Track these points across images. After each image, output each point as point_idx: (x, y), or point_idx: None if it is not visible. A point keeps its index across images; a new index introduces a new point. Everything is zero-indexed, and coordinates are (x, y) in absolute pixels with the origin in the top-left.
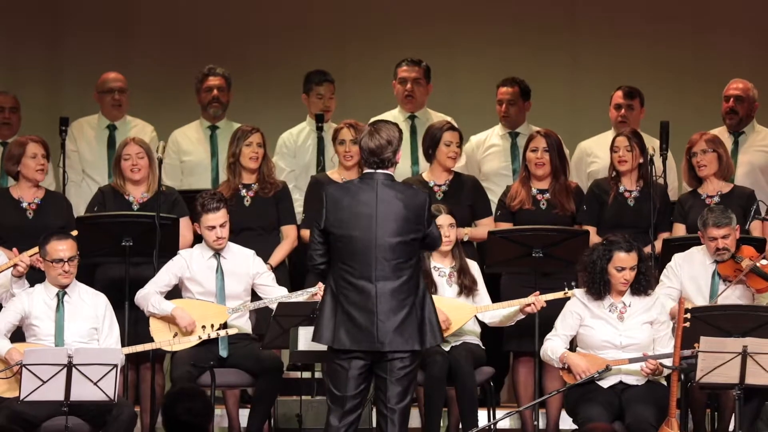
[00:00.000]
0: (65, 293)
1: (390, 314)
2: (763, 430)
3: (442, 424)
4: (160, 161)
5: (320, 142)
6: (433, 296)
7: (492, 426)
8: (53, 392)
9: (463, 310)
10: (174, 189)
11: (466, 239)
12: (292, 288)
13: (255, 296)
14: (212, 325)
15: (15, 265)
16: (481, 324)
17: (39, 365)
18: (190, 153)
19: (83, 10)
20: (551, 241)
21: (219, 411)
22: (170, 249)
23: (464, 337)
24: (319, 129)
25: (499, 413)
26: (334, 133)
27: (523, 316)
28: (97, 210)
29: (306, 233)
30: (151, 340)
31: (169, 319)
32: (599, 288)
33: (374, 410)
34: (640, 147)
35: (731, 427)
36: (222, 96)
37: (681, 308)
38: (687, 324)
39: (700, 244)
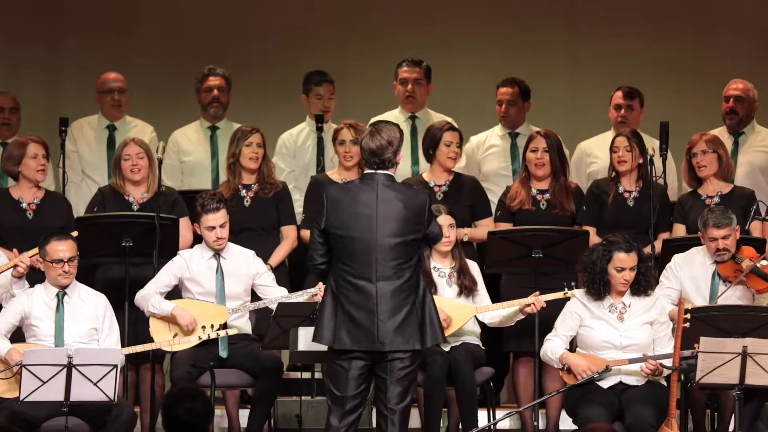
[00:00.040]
0: (65, 294)
1: (390, 314)
2: (763, 430)
3: (441, 425)
4: (160, 161)
5: (320, 142)
6: (433, 296)
7: (492, 426)
8: (53, 393)
9: (463, 311)
10: (174, 189)
11: (466, 239)
12: (292, 288)
13: (255, 297)
14: (212, 326)
15: (15, 266)
16: (481, 324)
17: (39, 366)
18: (190, 153)
19: (83, 10)
20: (551, 242)
21: (219, 411)
22: (170, 249)
23: (464, 338)
24: (319, 129)
25: (499, 413)
26: (334, 134)
27: (523, 317)
28: (96, 210)
29: (306, 233)
30: (151, 340)
31: (170, 319)
32: (599, 288)
33: (374, 411)
34: (639, 147)
35: (731, 427)
36: (222, 96)
37: (681, 309)
38: (687, 324)
39: (700, 244)
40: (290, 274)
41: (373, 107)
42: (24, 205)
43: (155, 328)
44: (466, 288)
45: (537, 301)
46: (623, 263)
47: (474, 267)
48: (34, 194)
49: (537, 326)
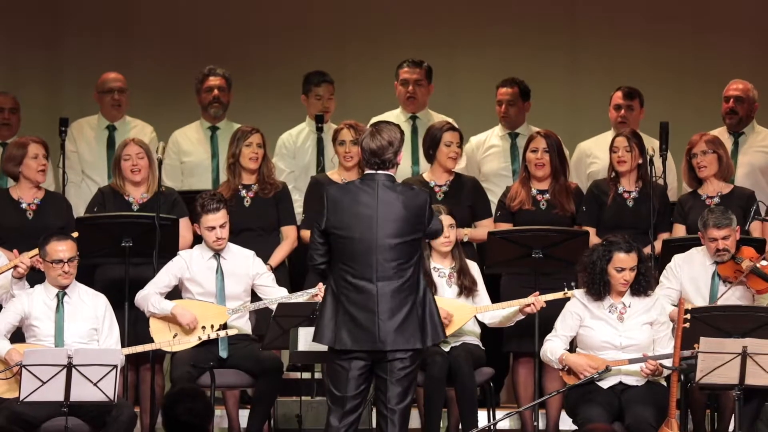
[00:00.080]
0: (65, 294)
1: (391, 314)
2: (762, 430)
3: (441, 425)
4: (160, 162)
5: (320, 142)
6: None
7: (492, 427)
8: (53, 393)
9: (463, 311)
10: (173, 189)
11: (466, 239)
12: (292, 289)
13: (255, 297)
14: (212, 326)
15: (15, 267)
16: (481, 325)
17: (39, 366)
18: (190, 154)
19: (83, 11)
20: (551, 242)
21: (219, 411)
22: (170, 250)
23: (464, 338)
24: (319, 130)
25: (499, 414)
26: (334, 134)
27: (523, 317)
28: (96, 210)
29: (306, 234)
30: (151, 340)
31: (170, 319)
32: (599, 289)
33: (374, 411)
34: (639, 147)
35: (731, 427)
36: (222, 96)
37: (681, 309)
38: (687, 325)
39: (700, 245)
40: (290, 275)
41: (373, 107)
42: (24, 206)
43: (155, 328)
44: (466, 288)
45: (537, 301)
46: (623, 263)
47: (474, 267)
48: (34, 194)
49: (537, 326)
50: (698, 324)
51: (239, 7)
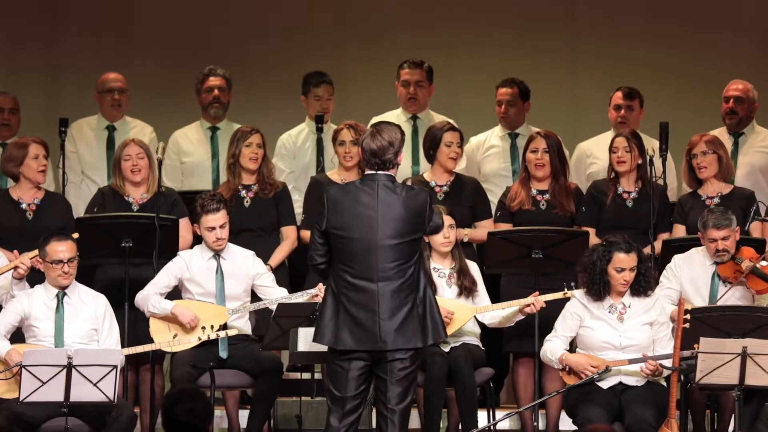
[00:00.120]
0: (65, 294)
1: (391, 313)
2: (762, 431)
3: (441, 425)
4: (160, 162)
5: (320, 143)
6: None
7: (492, 427)
8: (53, 393)
9: (463, 311)
10: (173, 190)
11: (466, 240)
12: (292, 289)
13: (255, 297)
14: (212, 326)
15: (16, 267)
16: (481, 325)
17: (39, 366)
18: (190, 154)
19: (83, 11)
20: (551, 242)
21: (219, 412)
22: (170, 250)
23: (464, 338)
24: (319, 130)
25: (499, 414)
26: (333, 134)
27: (523, 317)
28: (96, 211)
29: (305, 234)
30: (151, 341)
31: (170, 320)
32: (599, 289)
33: (374, 411)
34: (639, 148)
35: (731, 428)
36: (223, 96)
37: (681, 309)
38: (687, 325)
39: (699, 245)
40: (290, 275)
41: (374, 108)
42: (24, 206)
43: (155, 328)
44: (466, 288)
45: (536, 301)
46: (623, 264)
47: (474, 267)
48: (33, 195)
49: (537, 327)
50: (698, 324)
51: (239, 7)
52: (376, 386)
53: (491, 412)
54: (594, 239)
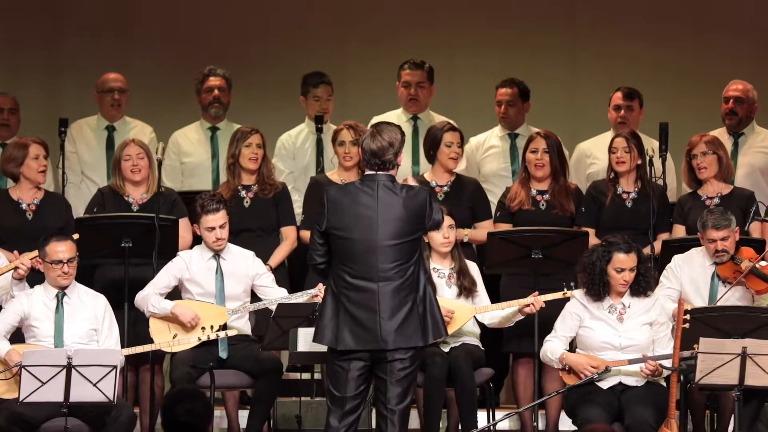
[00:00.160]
0: (65, 294)
1: (392, 312)
2: (762, 431)
3: (441, 426)
4: (160, 162)
5: (319, 143)
6: None
7: (491, 427)
8: (53, 393)
9: (463, 311)
10: (173, 190)
11: (466, 240)
12: (292, 289)
13: (255, 297)
14: (212, 327)
15: (16, 268)
16: (481, 325)
17: (38, 366)
18: (190, 154)
19: (83, 11)
20: (551, 243)
21: (218, 412)
22: (169, 250)
23: (464, 338)
24: (319, 130)
25: (499, 414)
26: (333, 135)
27: (522, 317)
28: (96, 211)
29: (305, 234)
30: (151, 341)
31: (170, 320)
32: (599, 289)
33: (374, 411)
34: (638, 148)
35: (730, 428)
36: (223, 96)
37: (680, 309)
38: (686, 325)
39: (699, 245)
40: (290, 275)
41: (373, 108)
42: (24, 206)
43: (155, 328)
44: (466, 289)
45: (536, 301)
46: (623, 264)
47: (473, 268)
48: (33, 195)
49: (536, 327)
50: (698, 324)
51: (239, 7)
52: (375, 386)
53: (491, 413)
54: (593, 239)
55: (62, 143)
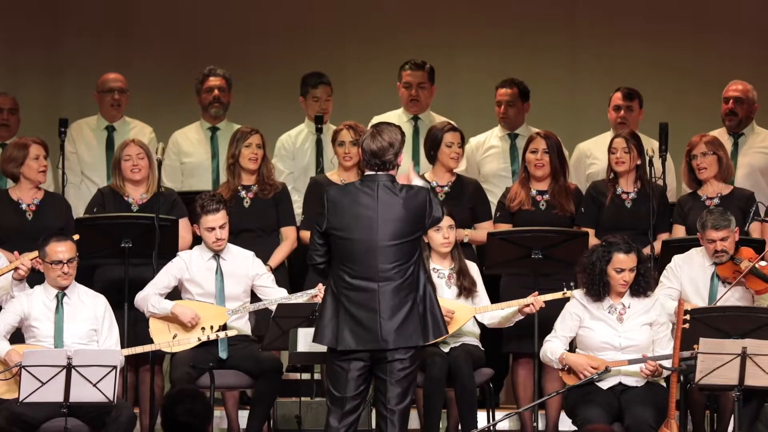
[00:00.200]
0: (64, 295)
1: (392, 312)
2: (762, 431)
3: (441, 426)
4: (159, 162)
5: (319, 143)
6: None
7: (491, 427)
8: (52, 394)
9: (462, 312)
10: (173, 190)
11: (466, 240)
12: (292, 289)
13: (254, 298)
14: (212, 327)
15: (16, 269)
16: (481, 325)
17: (38, 367)
18: (190, 154)
19: (83, 11)
20: (551, 243)
21: (218, 412)
22: (169, 250)
23: (463, 339)
24: (318, 131)
25: (499, 414)
26: (333, 135)
27: (522, 317)
28: (96, 211)
29: (305, 234)
30: (151, 341)
31: (170, 320)
32: (598, 289)
33: (374, 411)
34: (637, 148)
35: (730, 428)
36: (223, 96)
37: (680, 309)
38: (686, 325)
39: (699, 245)
40: (290, 275)
41: (373, 108)
42: (23, 207)
43: (155, 329)
44: (466, 289)
45: (536, 301)
46: (622, 264)
47: (473, 268)
48: (33, 195)
49: (536, 327)
50: (698, 325)
51: (239, 7)
52: (375, 387)
53: (491, 413)
54: (593, 240)
55: (62, 143)
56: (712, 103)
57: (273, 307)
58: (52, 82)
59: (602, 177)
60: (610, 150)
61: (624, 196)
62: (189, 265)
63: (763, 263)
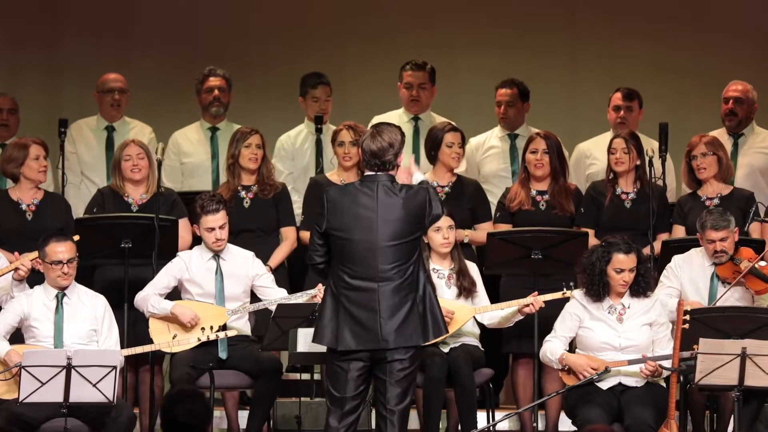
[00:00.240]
0: (64, 295)
1: (392, 312)
2: (762, 431)
3: (441, 426)
4: (159, 163)
5: (318, 143)
6: None
7: (491, 428)
8: (52, 394)
9: (462, 312)
10: (173, 190)
11: (466, 241)
12: (292, 290)
13: (254, 298)
14: (211, 327)
15: (16, 269)
16: (480, 325)
17: (38, 367)
18: (190, 154)
19: (83, 11)
20: (550, 243)
21: (218, 413)
22: (169, 250)
23: (463, 339)
24: (318, 131)
25: (498, 415)
26: (333, 135)
27: (522, 317)
28: (96, 211)
29: (305, 235)
30: (151, 341)
31: (169, 320)
32: (598, 290)
33: (373, 412)
34: (637, 149)
35: (730, 428)
36: (223, 96)
37: (680, 310)
38: (686, 326)
39: (699, 245)
40: (290, 276)
41: (374, 108)
42: (23, 207)
43: (155, 329)
44: (465, 289)
45: (536, 301)
46: (622, 264)
47: (473, 268)
48: (33, 195)
49: (536, 327)
50: (697, 325)
51: (239, 7)
52: (375, 387)
53: (491, 413)
54: (593, 240)
55: (62, 143)
56: (712, 104)
57: (273, 308)
58: (52, 82)
59: (602, 177)
60: (610, 150)
61: (623, 196)
62: (189, 265)
63: (762, 263)
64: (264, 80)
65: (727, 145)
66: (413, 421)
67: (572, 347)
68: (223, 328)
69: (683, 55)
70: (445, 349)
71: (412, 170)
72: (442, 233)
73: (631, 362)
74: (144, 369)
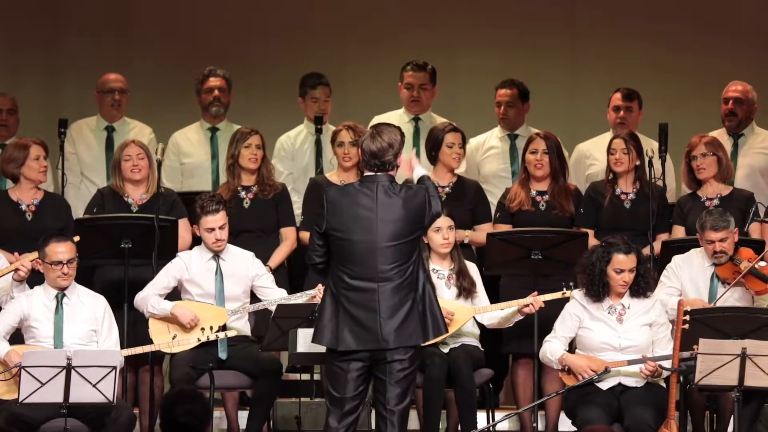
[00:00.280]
0: (64, 295)
1: (391, 312)
2: (761, 431)
3: (440, 426)
4: (159, 163)
5: (318, 144)
6: None
7: (491, 428)
8: (52, 394)
9: (462, 312)
10: (173, 190)
11: (466, 241)
12: (292, 290)
13: (254, 298)
14: (211, 327)
15: (16, 270)
16: (480, 326)
17: (38, 367)
18: (190, 155)
19: (83, 11)
20: (550, 243)
21: (218, 413)
22: (169, 251)
23: (463, 339)
24: (318, 131)
25: (498, 415)
26: (332, 135)
27: (522, 317)
28: (96, 212)
29: (305, 235)
30: (150, 341)
31: (169, 320)
32: (598, 290)
33: (373, 412)
34: (636, 149)
35: (730, 428)
36: (223, 97)
37: (680, 310)
38: (686, 326)
39: (699, 246)
40: (289, 276)
41: (374, 108)
42: (23, 207)
43: (154, 329)
44: (465, 290)
45: (535, 301)
46: (622, 265)
47: (473, 269)
48: (33, 196)
49: (536, 327)
50: (697, 325)
51: (239, 7)
52: (374, 387)
53: (490, 413)
54: (593, 240)
55: (62, 144)
56: (712, 104)
57: (272, 308)
58: (52, 82)
59: (602, 178)
60: (609, 151)
61: (623, 196)
62: (189, 265)
63: (762, 263)
64: (264, 80)
65: (726, 145)
66: (413, 421)
67: (572, 347)
68: (223, 328)
69: (683, 55)
70: (445, 350)
71: (414, 164)
72: (442, 234)
73: (630, 362)
74: (144, 369)
